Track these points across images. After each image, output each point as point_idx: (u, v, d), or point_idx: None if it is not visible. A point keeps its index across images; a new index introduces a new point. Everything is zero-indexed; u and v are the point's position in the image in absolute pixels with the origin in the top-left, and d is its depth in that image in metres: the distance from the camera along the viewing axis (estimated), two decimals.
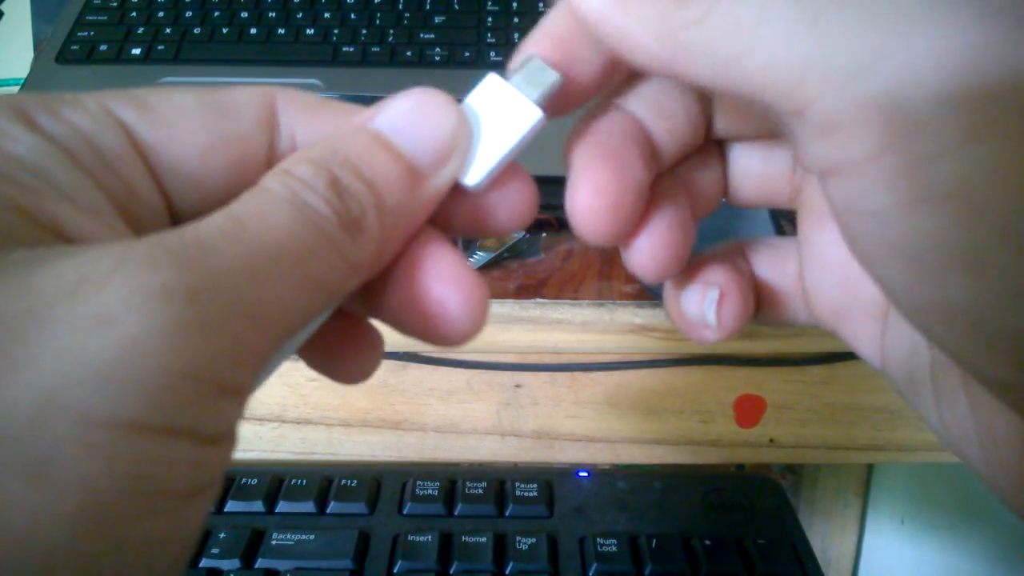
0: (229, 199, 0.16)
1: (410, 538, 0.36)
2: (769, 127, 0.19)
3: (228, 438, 0.12)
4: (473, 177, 0.17)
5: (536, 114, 0.17)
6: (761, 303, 0.21)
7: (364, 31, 0.54)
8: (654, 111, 0.18)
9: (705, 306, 0.20)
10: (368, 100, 0.46)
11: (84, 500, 0.10)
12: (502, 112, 0.17)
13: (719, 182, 0.21)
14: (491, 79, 0.17)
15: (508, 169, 0.17)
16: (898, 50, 0.12)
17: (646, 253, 0.18)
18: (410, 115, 0.16)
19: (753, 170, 0.21)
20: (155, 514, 0.11)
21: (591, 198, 0.17)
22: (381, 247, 0.15)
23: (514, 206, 0.18)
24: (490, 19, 0.55)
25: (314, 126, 0.17)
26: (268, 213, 0.13)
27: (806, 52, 0.13)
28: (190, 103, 0.16)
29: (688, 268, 0.20)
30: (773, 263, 0.21)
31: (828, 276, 0.20)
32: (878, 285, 0.15)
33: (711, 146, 0.21)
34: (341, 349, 0.18)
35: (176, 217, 0.16)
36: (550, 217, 0.48)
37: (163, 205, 0.16)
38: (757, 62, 0.13)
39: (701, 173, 0.20)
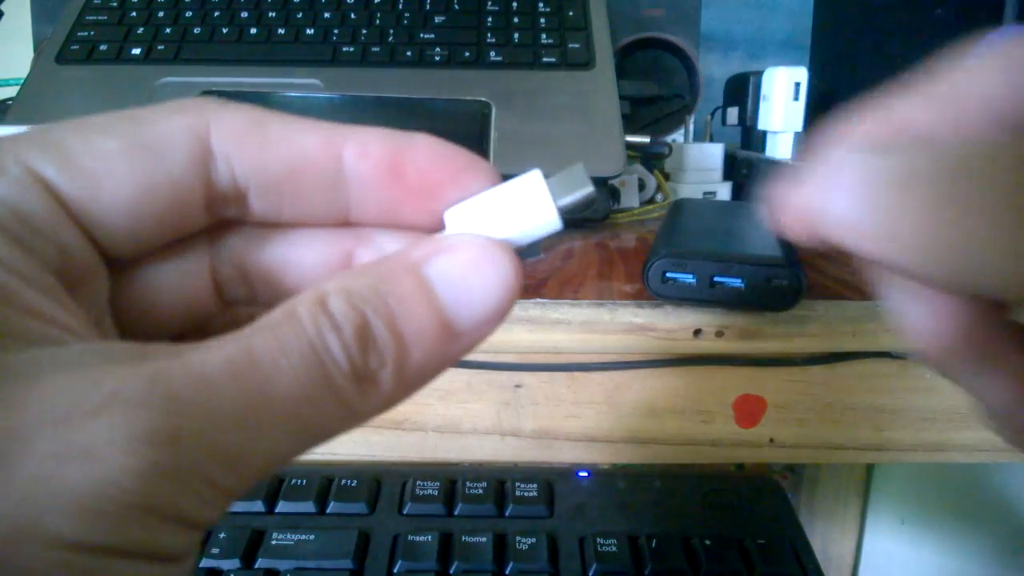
0: (168, 236, 0.16)
1: (410, 538, 0.36)
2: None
3: (187, 555, 0.13)
4: None
5: (551, 218, 0.17)
6: None
7: (364, 31, 0.54)
8: None
9: None
10: (368, 99, 0.46)
11: None
12: (526, 205, 0.17)
13: None
14: (533, 175, 0.17)
15: None
16: None
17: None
18: (466, 267, 0.15)
19: None
20: None
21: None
22: (391, 401, 0.14)
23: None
24: (490, 19, 0.55)
25: (254, 158, 0.16)
26: (283, 353, 0.13)
27: None
28: (114, 149, 0.15)
29: None
30: None
31: None
32: None
33: None
34: None
35: (114, 264, 0.16)
36: None
37: (98, 257, 0.15)
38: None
39: None
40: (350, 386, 0.13)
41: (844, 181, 0.14)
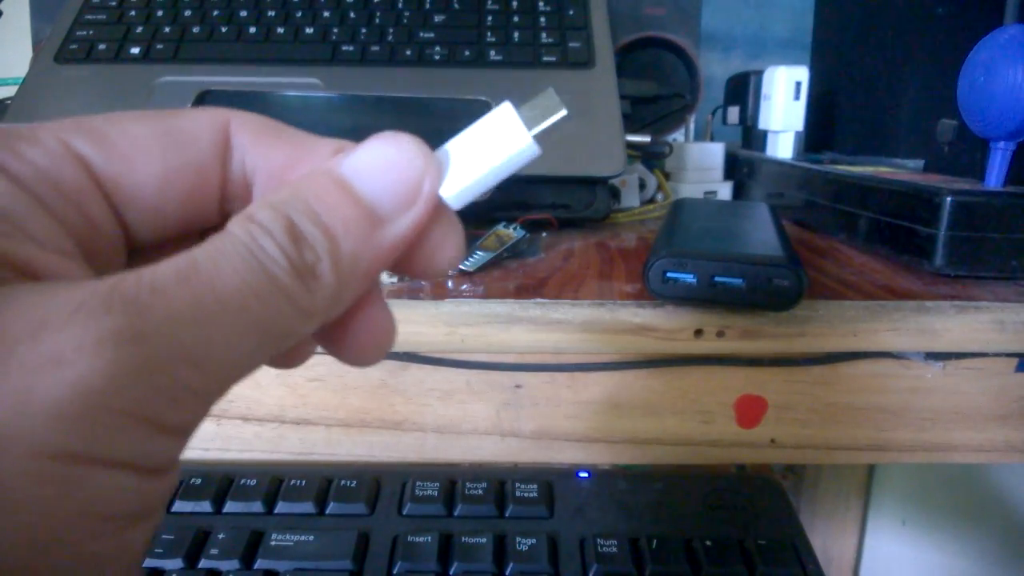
0: (185, 227, 0.17)
1: (410, 539, 0.36)
2: None
3: (168, 470, 0.13)
4: (449, 191, 0.17)
5: (526, 142, 0.17)
6: None
7: (363, 30, 0.54)
8: None
9: None
10: (368, 99, 0.46)
11: (35, 523, 0.11)
12: (500, 137, 0.17)
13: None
14: (505, 107, 0.17)
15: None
16: None
17: None
18: (376, 161, 0.16)
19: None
20: (101, 536, 0.12)
21: None
22: (337, 293, 0.15)
23: (442, 250, 0.18)
24: (490, 18, 0.55)
25: (265, 153, 0.17)
26: (224, 257, 0.13)
27: None
28: (146, 133, 0.16)
29: None
30: None
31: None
32: None
33: None
34: (353, 329, 0.18)
35: (134, 246, 0.17)
36: (550, 217, 0.47)
37: (122, 235, 0.16)
38: None
39: None
40: (293, 282, 0.14)
41: None
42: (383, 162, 0.16)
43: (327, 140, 0.18)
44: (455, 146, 0.17)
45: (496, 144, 0.17)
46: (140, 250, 0.17)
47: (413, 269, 0.18)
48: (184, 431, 0.13)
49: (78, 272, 0.14)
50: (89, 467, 0.12)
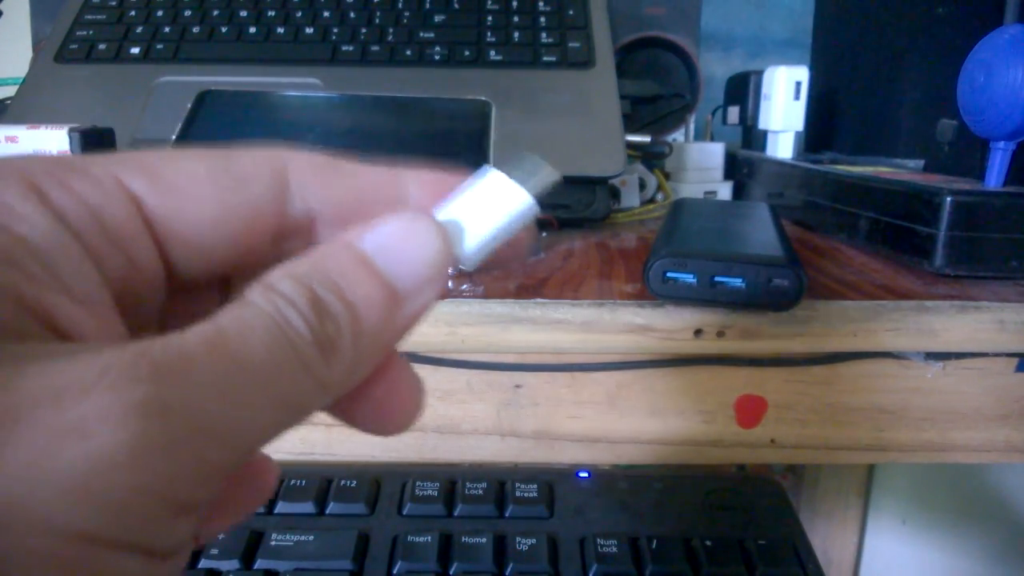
0: (232, 265, 0.17)
1: (410, 539, 0.36)
2: None
3: (180, 552, 0.13)
4: (468, 260, 0.17)
5: (527, 201, 0.18)
6: None
7: (363, 30, 0.54)
8: None
9: None
10: (368, 99, 0.46)
11: None
12: (495, 199, 0.18)
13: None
14: (488, 170, 0.18)
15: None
16: None
17: None
18: (396, 239, 0.16)
19: None
20: None
21: None
22: (353, 368, 0.15)
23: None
24: (490, 18, 0.55)
25: (327, 191, 0.17)
26: (249, 329, 0.13)
27: None
28: (202, 172, 0.16)
29: None
30: None
31: None
32: None
33: None
34: (378, 398, 0.18)
35: (175, 283, 0.16)
36: (550, 217, 0.47)
37: (163, 274, 0.16)
38: None
39: None
40: (314, 353, 0.14)
41: None
42: (403, 241, 0.16)
43: (381, 168, 0.18)
44: (458, 214, 0.18)
45: (500, 212, 0.18)
46: (181, 288, 0.17)
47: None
48: (199, 509, 0.13)
49: (105, 327, 0.14)
50: (99, 549, 0.11)
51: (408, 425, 0.18)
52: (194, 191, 0.16)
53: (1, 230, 0.13)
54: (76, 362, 0.12)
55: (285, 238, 0.17)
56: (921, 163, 0.49)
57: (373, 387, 0.17)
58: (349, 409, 0.17)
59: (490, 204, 0.18)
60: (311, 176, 0.17)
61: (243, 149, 0.17)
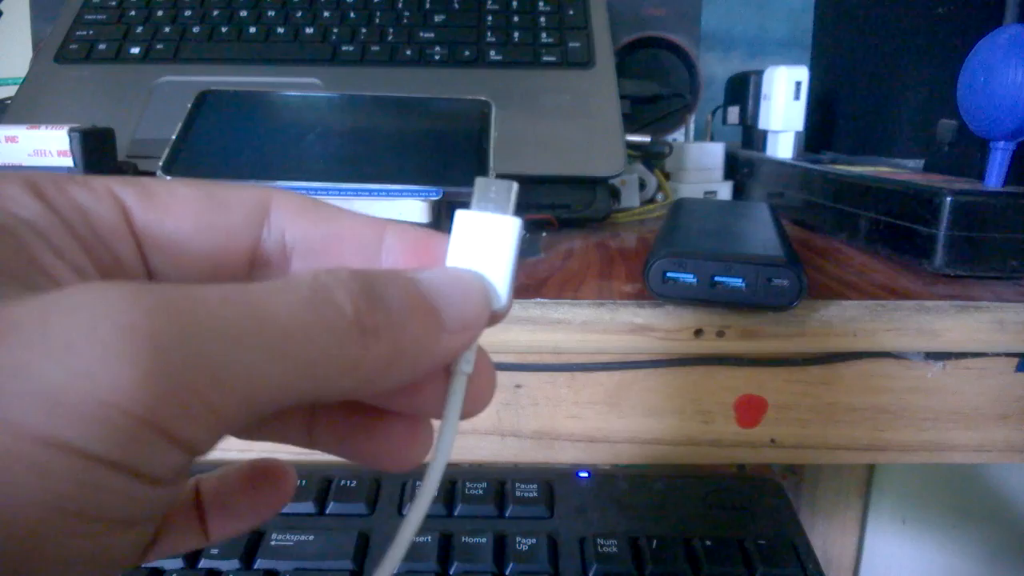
0: (209, 279, 0.18)
1: None
2: None
3: (171, 482, 0.13)
4: (505, 303, 0.18)
5: (514, 222, 0.18)
6: None
7: (363, 30, 0.54)
8: None
9: None
10: (368, 99, 0.46)
11: (11, 508, 0.11)
12: (487, 236, 0.18)
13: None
14: (461, 215, 0.18)
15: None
16: None
17: None
18: (449, 281, 0.17)
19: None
20: (79, 535, 0.11)
21: None
22: (388, 363, 0.15)
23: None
24: (490, 18, 0.55)
25: (305, 228, 0.18)
26: (279, 291, 0.14)
27: None
28: (189, 194, 0.18)
29: None
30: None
31: None
32: None
33: None
34: (389, 443, 0.19)
35: None
36: (550, 217, 0.47)
37: (146, 278, 0.17)
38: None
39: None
40: (353, 332, 0.14)
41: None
42: (452, 283, 0.17)
43: (366, 217, 0.19)
44: (470, 265, 0.18)
45: (505, 247, 0.18)
46: None
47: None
48: (193, 448, 0.13)
49: None
50: (77, 460, 0.11)
51: (416, 464, 0.19)
52: (177, 207, 0.17)
53: (6, 212, 0.15)
54: (71, 290, 0.12)
55: (261, 265, 0.19)
56: (921, 163, 0.49)
57: (387, 432, 0.18)
58: (359, 450, 0.19)
59: (490, 244, 0.18)
60: (292, 213, 0.18)
61: (235, 184, 0.18)
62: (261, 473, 0.21)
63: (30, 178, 0.16)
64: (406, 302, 0.15)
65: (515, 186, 0.18)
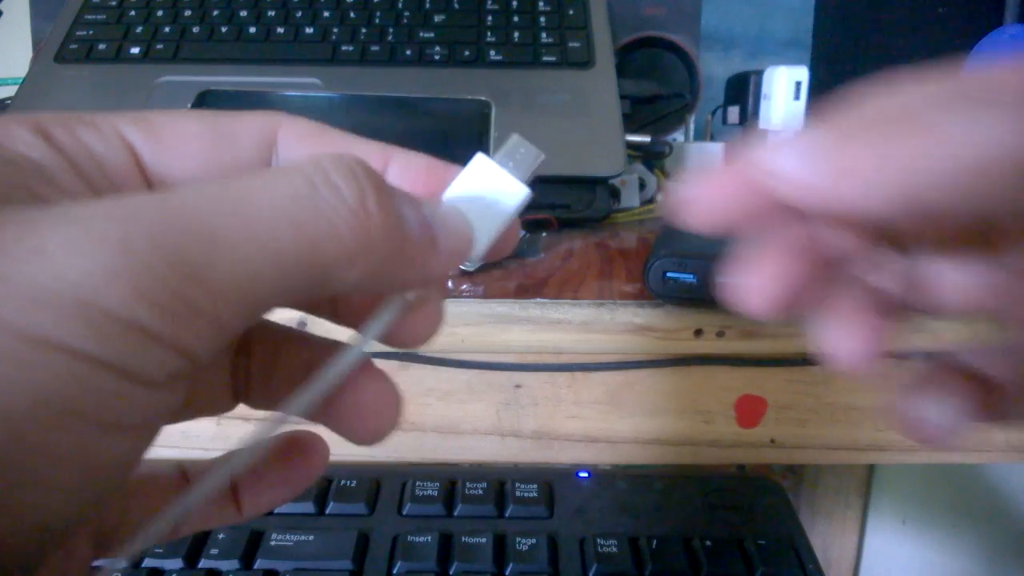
0: None
1: (410, 539, 0.36)
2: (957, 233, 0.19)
3: (165, 386, 0.12)
4: (477, 256, 0.18)
5: (523, 192, 0.18)
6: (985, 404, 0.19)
7: (363, 30, 0.54)
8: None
9: (950, 410, 0.19)
10: (368, 99, 0.46)
11: None
12: (492, 190, 0.18)
13: (903, 288, 0.20)
14: (480, 159, 0.18)
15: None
16: None
17: (836, 338, 0.18)
18: (446, 211, 0.17)
19: (950, 281, 0.19)
20: (69, 432, 0.11)
21: (749, 276, 0.18)
22: (387, 258, 0.15)
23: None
24: (490, 18, 0.55)
25: (313, 152, 0.17)
26: (272, 180, 0.14)
27: None
28: (195, 129, 0.17)
29: (913, 375, 0.20)
30: (988, 364, 0.20)
31: None
32: None
33: (890, 253, 0.20)
34: (358, 406, 0.18)
35: None
36: (550, 217, 0.47)
37: None
38: (982, 183, 0.13)
39: (882, 279, 0.20)
40: (358, 213, 0.14)
41: (795, 147, 0.16)
42: (450, 218, 0.17)
43: (373, 143, 0.18)
44: (465, 205, 0.18)
45: (496, 201, 0.18)
46: None
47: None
48: (187, 350, 0.12)
49: None
50: (62, 355, 0.11)
51: (383, 436, 0.18)
52: (185, 144, 0.17)
53: (11, 152, 0.14)
54: (50, 206, 0.12)
55: None
56: None
57: (350, 393, 0.18)
58: (327, 412, 0.18)
59: (492, 199, 0.18)
60: (299, 139, 0.18)
61: (239, 112, 0.18)
62: (293, 445, 0.20)
63: (38, 119, 0.15)
64: (410, 208, 0.15)
65: (541, 157, 0.18)
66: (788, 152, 0.16)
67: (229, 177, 0.13)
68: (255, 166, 0.17)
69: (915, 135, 0.14)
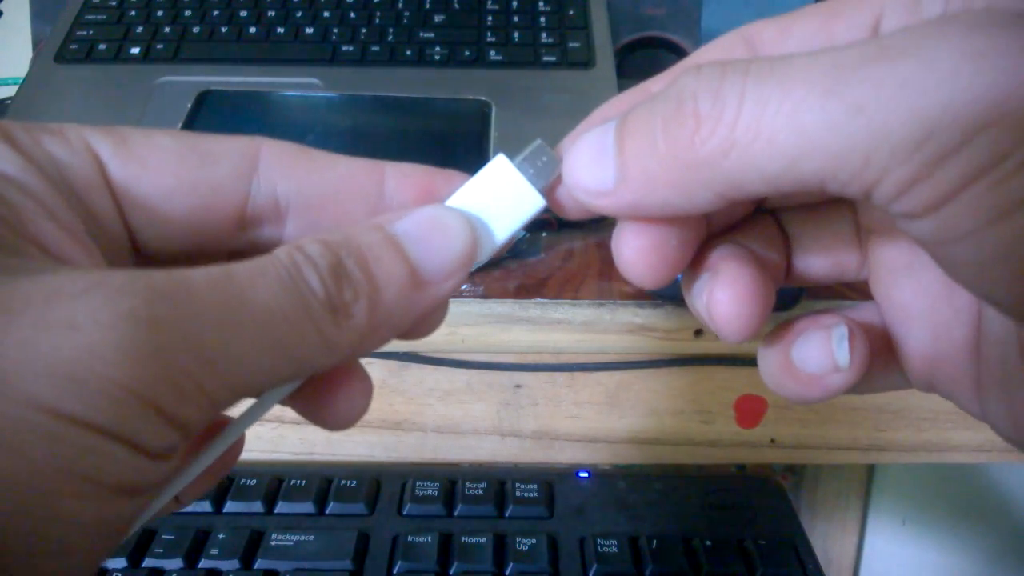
0: (194, 241, 0.17)
1: (410, 539, 0.36)
2: (817, 197, 0.19)
3: (164, 458, 0.13)
4: (482, 259, 0.18)
5: (539, 202, 0.18)
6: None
7: (363, 30, 0.54)
8: None
9: (834, 344, 0.18)
10: (368, 99, 0.46)
11: (15, 470, 0.11)
12: (507, 195, 0.18)
13: (782, 254, 0.20)
14: (500, 160, 0.18)
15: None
16: (951, 104, 0.12)
17: (724, 304, 0.18)
18: (427, 227, 0.16)
19: (816, 242, 0.20)
20: (79, 498, 0.12)
21: (632, 243, 0.18)
22: (364, 336, 0.15)
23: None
24: (490, 18, 0.55)
25: (300, 181, 0.17)
26: (261, 275, 0.14)
27: (865, 141, 0.12)
28: (170, 146, 0.17)
29: (786, 325, 0.20)
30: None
31: (917, 329, 0.19)
32: (992, 304, 0.15)
33: (766, 219, 0.20)
34: (329, 393, 0.18)
35: (140, 250, 0.17)
36: (550, 217, 0.47)
37: (126, 237, 0.17)
38: (814, 164, 0.13)
39: (763, 245, 0.20)
40: (325, 314, 0.14)
41: (577, 159, 0.16)
42: (433, 231, 0.17)
43: (363, 162, 0.18)
44: (474, 210, 0.18)
45: (510, 206, 0.18)
46: (149, 260, 0.17)
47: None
48: (185, 426, 0.13)
49: (91, 256, 0.15)
50: (81, 429, 0.12)
51: (351, 423, 0.18)
52: (156, 162, 0.16)
53: None
54: (71, 273, 0.12)
55: (252, 225, 0.18)
56: None
57: (321, 379, 0.18)
58: (295, 396, 0.18)
59: (506, 204, 0.18)
60: (283, 164, 0.17)
61: (220, 135, 0.17)
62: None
63: (5, 128, 0.15)
64: (380, 264, 0.15)
65: (561, 168, 0.18)
66: (575, 164, 0.16)
67: (229, 269, 0.14)
68: (231, 189, 0.17)
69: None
